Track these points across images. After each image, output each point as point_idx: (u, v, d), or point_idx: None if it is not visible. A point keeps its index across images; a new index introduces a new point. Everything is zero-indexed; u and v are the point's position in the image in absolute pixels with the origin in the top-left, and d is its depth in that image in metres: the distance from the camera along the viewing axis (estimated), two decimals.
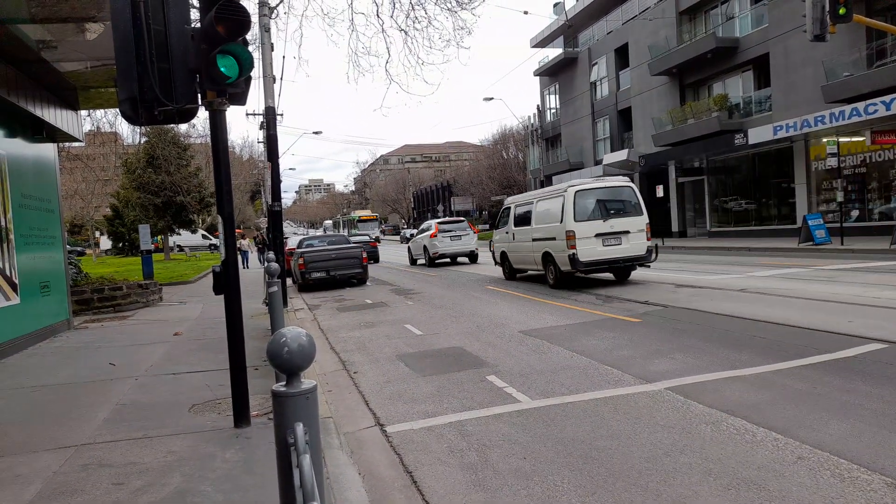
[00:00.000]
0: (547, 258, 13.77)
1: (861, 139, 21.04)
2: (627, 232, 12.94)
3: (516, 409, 5.35)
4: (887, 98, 18.40)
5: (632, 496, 3.61)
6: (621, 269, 13.58)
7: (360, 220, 64.68)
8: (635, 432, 4.60)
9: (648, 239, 13.14)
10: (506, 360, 7.21)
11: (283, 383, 1.79)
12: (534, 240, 14.41)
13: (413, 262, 26.57)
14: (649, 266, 13.49)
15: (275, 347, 1.76)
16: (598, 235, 12.79)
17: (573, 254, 12.64)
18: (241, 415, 4.96)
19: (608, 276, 14.31)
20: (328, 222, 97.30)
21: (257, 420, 5.11)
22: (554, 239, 13.36)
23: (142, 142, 36.99)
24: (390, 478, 4.19)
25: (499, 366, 6.94)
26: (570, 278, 13.51)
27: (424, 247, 24.42)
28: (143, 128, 32.86)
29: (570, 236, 12.71)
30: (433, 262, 23.96)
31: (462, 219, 26.33)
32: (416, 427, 5.14)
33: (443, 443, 4.72)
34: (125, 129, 40.26)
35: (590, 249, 12.71)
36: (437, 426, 5.11)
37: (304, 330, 1.84)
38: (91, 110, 19.26)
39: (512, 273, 16.48)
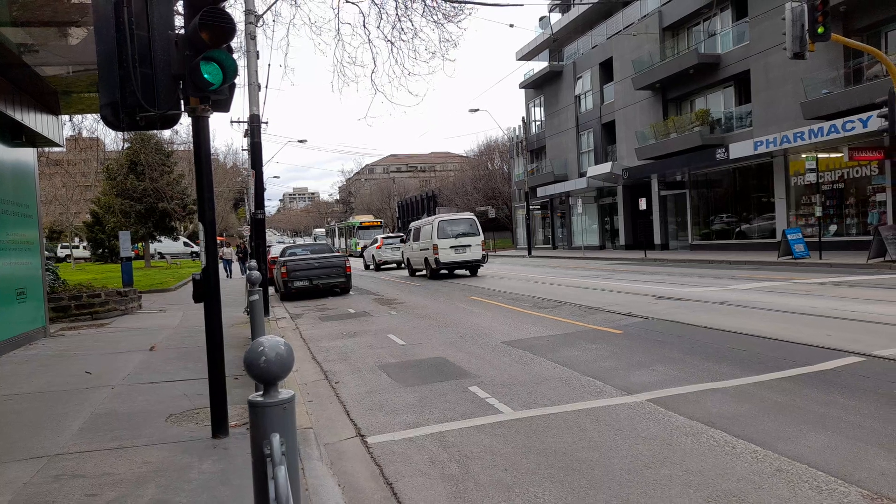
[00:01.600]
0: (426, 261, 22.05)
1: (839, 155, 21.43)
2: (469, 245, 21.17)
3: (498, 421, 5.34)
4: (864, 116, 18.78)
5: None
6: (469, 268, 21.92)
7: (362, 227, 53.48)
8: (616, 444, 4.60)
9: (483, 250, 21.47)
10: (488, 370, 7.20)
11: (261, 393, 1.76)
12: (420, 249, 22.62)
13: (366, 266, 32.64)
14: (482, 265, 21.96)
15: (252, 356, 1.73)
16: (451, 247, 20.98)
17: (437, 258, 20.96)
18: (220, 425, 4.89)
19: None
20: (319, 231, 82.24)
21: (236, 430, 5.04)
22: (429, 249, 21.54)
23: (124, 147, 36.64)
24: (370, 489, 4.14)
25: (481, 376, 6.92)
26: (438, 273, 21.72)
27: (373, 255, 31.51)
28: (125, 133, 32.57)
29: (436, 248, 20.97)
30: (379, 267, 30.99)
31: (401, 234, 33.40)
32: (398, 438, 5.10)
33: (424, 454, 4.69)
34: (108, 135, 39.88)
35: (447, 255, 20.97)
36: (418, 437, 5.08)
37: (283, 339, 1.82)
38: (72, 115, 19.05)
39: (412, 272, 24.39)
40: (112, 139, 40.48)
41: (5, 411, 6.10)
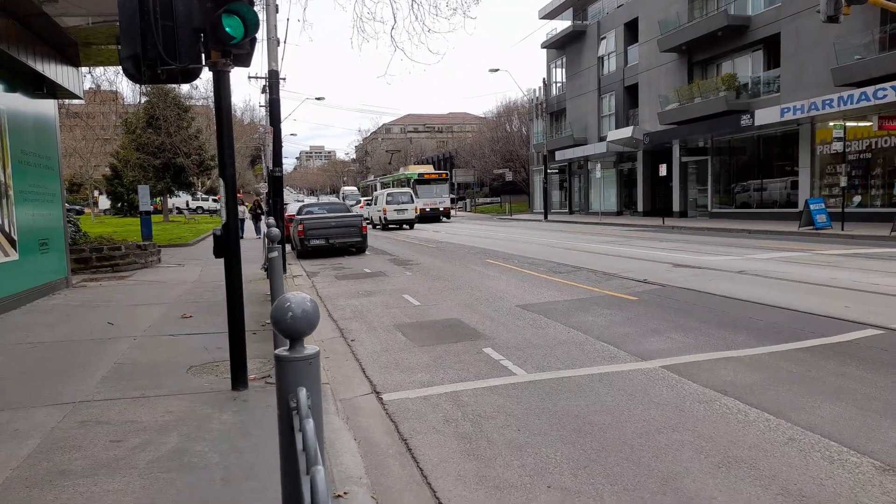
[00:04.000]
0: (380, 218, 32.17)
1: (868, 124, 20.87)
2: (406, 209, 31.63)
3: (512, 382, 5.40)
4: None
5: (624, 470, 3.66)
6: (408, 224, 31.82)
7: (421, 181, 39.76)
8: (629, 408, 4.65)
9: (416, 212, 32.27)
10: (503, 332, 7.25)
11: (286, 348, 1.79)
12: (378, 211, 32.69)
13: None
14: (415, 223, 32.38)
15: (279, 312, 1.75)
16: (395, 210, 31.42)
17: (386, 217, 31.48)
18: (239, 377, 5.00)
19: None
20: (349, 189, 64.70)
21: (255, 384, 5.15)
22: (381, 211, 32.00)
23: (142, 101, 36.64)
24: (385, 444, 4.23)
25: (495, 338, 6.97)
26: (387, 227, 31.65)
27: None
28: (143, 87, 32.50)
29: (385, 209, 31.55)
30: None
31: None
32: (412, 396, 5.19)
33: (438, 412, 4.77)
34: (126, 88, 39.82)
35: (392, 215, 31.45)
36: (432, 395, 5.16)
37: (309, 296, 1.84)
38: (91, 67, 19.00)
39: (374, 226, 32.73)
40: (131, 92, 40.49)
41: (32, 358, 6.28)
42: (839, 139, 19.05)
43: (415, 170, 42.66)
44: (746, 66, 27.70)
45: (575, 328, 7.29)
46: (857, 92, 19.67)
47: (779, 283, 9.77)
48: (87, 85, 20.76)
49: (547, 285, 10.67)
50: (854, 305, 7.82)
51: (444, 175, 42.00)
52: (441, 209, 39.25)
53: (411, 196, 32.30)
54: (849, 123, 20.07)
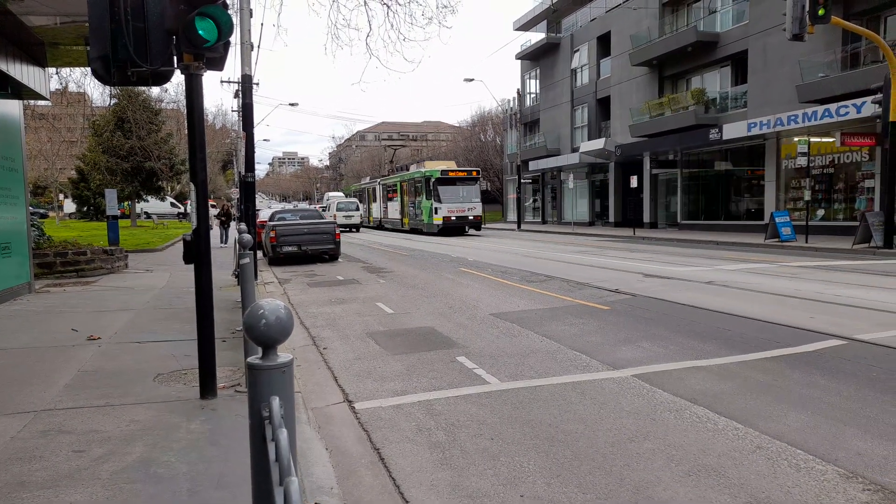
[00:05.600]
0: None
1: (831, 140, 21.49)
2: (353, 216, 38.56)
3: (485, 391, 5.39)
4: (859, 101, 18.79)
5: (595, 479, 3.67)
6: (355, 228, 38.24)
7: (443, 181, 30.82)
8: (601, 417, 4.67)
9: (360, 219, 39.84)
10: (476, 341, 7.25)
11: (259, 356, 1.76)
12: (331, 216, 33.22)
13: None
14: (360, 229, 39.11)
15: (252, 319, 1.71)
16: (343, 216, 37.00)
17: (336, 222, 27.61)
18: (208, 386, 4.90)
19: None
20: (334, 194, 54.75)
21: (224, 392, 5.05)
22: (333, 216, 33.05)
23: (111, 103, 35.93)
24: (358, 454, 4.19)
25: (469, 347, 6.97)
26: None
27: None
28: (113, 89, 31.88)
29: (335, 216, 33.81)
30: None
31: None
32: (385, 405, 5.14)
33: (411, 421, 4.73)
34: (94, 90, 39.03)
35: (340, 220, 33.57)
36: (405, 404, 5.12)
37: (283, 303, 1.81)
38: (58, 68, 18.59)
39: None
40: (100, 94, 39.72)
41: None
42: (803, 154, 19.55)
43: (435, 167, 32.97)
44: (715, 82, 28.33)
45: (548, 337, 7.33)
46: (820, 108, 20.25)
47: (746, 294, 9.96)
48: (54, 85, 20.28)
49: (520, 294, 10.71)
50: (818, 316, 8.01)
51: (474, 173, 32.22)
52: (471, 217, 30.66)
53: (357, 205, 40.07)
54: (813, 139, 20.63)
